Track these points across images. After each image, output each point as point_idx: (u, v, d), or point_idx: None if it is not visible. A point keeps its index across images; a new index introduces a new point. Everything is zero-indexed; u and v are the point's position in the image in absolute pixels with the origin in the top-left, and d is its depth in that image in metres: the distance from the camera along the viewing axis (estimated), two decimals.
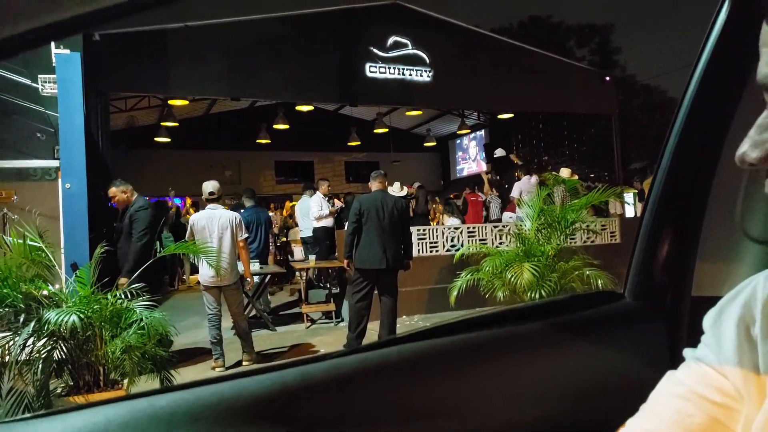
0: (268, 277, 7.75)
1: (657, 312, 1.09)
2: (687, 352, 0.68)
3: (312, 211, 8.47)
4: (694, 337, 0.70)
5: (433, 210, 11.28)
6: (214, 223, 5.47)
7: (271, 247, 10.29)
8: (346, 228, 6.14)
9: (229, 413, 0.77)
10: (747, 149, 0.57)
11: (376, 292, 5.97)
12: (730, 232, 1.03)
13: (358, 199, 6.15)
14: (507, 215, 10.02)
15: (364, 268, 5.77)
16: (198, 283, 5.70)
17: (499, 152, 9.45)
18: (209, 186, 5.63)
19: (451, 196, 12.98)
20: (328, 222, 8.71)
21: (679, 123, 1.09)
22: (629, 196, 11.67)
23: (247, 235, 5.83)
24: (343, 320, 7.39)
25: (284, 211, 13.36)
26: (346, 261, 6.00)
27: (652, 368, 0.99)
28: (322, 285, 7.90)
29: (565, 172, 8.29)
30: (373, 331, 6.26)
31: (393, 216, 5.78)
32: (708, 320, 0.67)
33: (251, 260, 7.50)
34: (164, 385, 3.68)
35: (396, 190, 9.46)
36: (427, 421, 0.88)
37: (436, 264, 8.04)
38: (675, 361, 0.93)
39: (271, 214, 12.13)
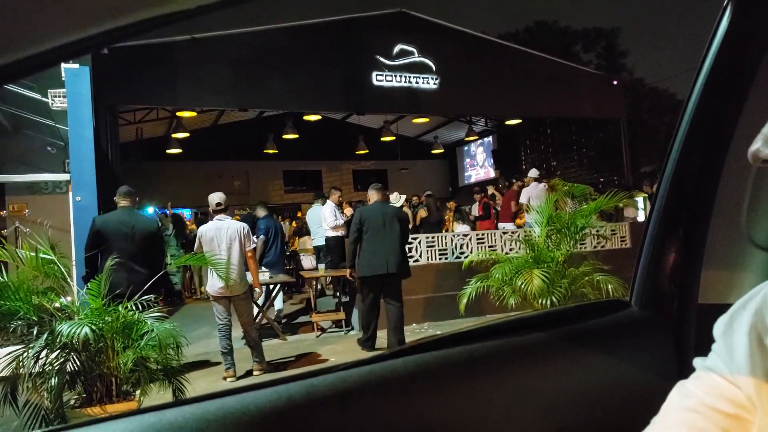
0: (278, 286, 7.78)
1: (663, 320, 1.08)
2: (697, 361, 0.68)
3: (327, 220, 8.50)
4: (701, 346, 0.70)
5: (448, 218, 11.26)
6: (222, 234, 5.50)
7: None
8: (349, 238, 6.43)
9: (235, 427, 0.78)
10: (760, 146, 0.57)
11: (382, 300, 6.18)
12: (735, 239, 1.03)
13: (358, 210, 6.50)
14: (500, 225, 9.97)
15: (368, 275, 6.00)
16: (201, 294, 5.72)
17: (534, 173, 9.57)
18: (216, 197, 5.67)
19: (449, 205, 12.83)
20: (342, 231, 8.75)
21: (683, 130, 1.09)
22: (639, 200, 11.59)
23: (255, 245, 5.85)
24: (353, 329, 7.39)
25: (293, 223, 13.46)
26: (348, 270, 6.33)
27: (660, 377, 0.99)
28: (338, 295, 7.93)
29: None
30: (383, 339, 6.30)
31: (394, 225, 6.04)
32: (718, 329, 0.67)
33: (267, 268, 7.58)
34: (173, 399, 3.70)
35: (393, 200, 9.64)
36: None
37: (445, 271, 8.02)
38: (683, 369, 0.93)
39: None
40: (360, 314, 6.35)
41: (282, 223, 12.99)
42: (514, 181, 11.63)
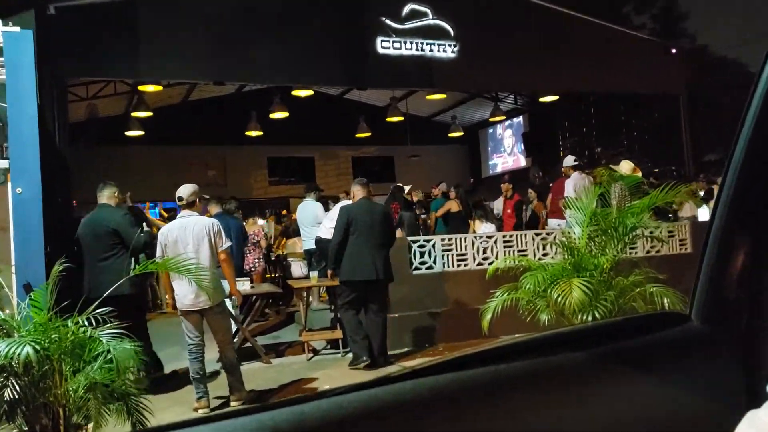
0: (259, 299, 7.83)
1: (730, 338, 1.09)
2: None
3: (330, 216, 8.56)
4: None
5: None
6: (188, 234, 5.47)
7: (260, 262, 10.39)
8: (332, 238, 6.79)
9: None
10: None
11: None
12: None
13: (345, 208, 6.88)
14: (554, 222, 9.99)
15: (353, 279, 6.46)
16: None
17: (569, 161, 9.65)
18: (179, 190, 5.69)
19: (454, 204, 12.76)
20: None
21: (755, 107, 1.09)
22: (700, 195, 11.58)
23: (230, 244, 5.83)
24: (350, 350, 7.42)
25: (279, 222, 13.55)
26: (330, 272, 6.85)
27: (726, 406, 0.99)
28: (333, 309, 7.97)
29: (625, 166, 8.19)
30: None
31: (381, 225, 6.56)
32: None
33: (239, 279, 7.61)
34: (138, 429, 3.72)
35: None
36: None
37: (464, 281, 8.02)
38: (753, 397, 0.93)
39: (262, 222, 12.23)
40: (347, 327, 6.78)
41: (267, 221, 13.06)
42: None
